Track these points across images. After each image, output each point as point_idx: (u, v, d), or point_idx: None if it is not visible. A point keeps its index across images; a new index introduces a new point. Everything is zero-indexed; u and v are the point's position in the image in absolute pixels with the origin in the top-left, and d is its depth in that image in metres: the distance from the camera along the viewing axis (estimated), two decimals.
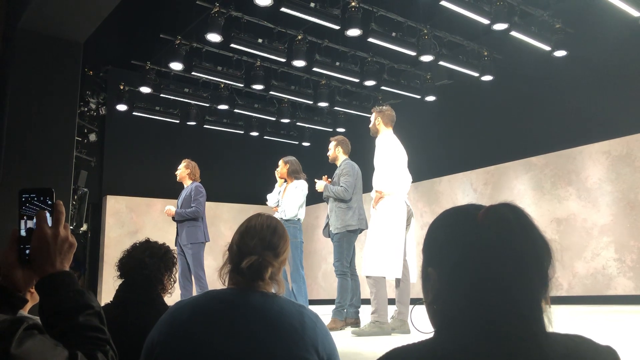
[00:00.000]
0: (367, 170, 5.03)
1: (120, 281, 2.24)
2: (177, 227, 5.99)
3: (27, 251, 1.03)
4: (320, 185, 5.41)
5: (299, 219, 5.61)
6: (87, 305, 1.00)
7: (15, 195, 1.06)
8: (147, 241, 2.32)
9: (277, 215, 5.49)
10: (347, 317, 5.20)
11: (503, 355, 0.81)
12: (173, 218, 5.98)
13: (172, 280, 2.31)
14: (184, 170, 6.18)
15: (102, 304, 2.25)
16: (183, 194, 6.12)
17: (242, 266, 1.45)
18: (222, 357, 1.32)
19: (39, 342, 0.85)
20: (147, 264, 2.20)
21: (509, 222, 0.87)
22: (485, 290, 0.85)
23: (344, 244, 5.22)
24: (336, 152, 5.57)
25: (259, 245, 1.51)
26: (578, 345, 0.88)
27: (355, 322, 5.16)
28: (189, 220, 5.87)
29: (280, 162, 5.84)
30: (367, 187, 4.95)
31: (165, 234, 6.73)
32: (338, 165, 5.53)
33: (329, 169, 5.72)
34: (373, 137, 4.98)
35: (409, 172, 4.87)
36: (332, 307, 5.28)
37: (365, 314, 4.88)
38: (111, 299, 2.22)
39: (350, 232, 5.23)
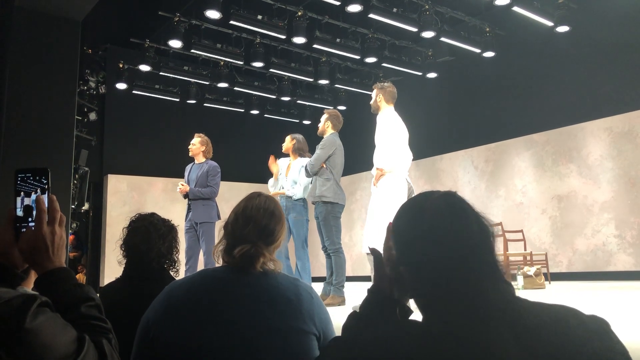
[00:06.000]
0: (368, 147, 5.02)
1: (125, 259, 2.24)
2: (189, 204, 5.77)
3: (24, 229, 1.06)
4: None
5: (305, 198, 5.63)
6: (88, 297, 1.04)
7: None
8: (150, 218, 2.30)
9: (287, 193, 5.57)
10: (323, 293, 5.25)
11: (480, 330, 0.86)
12: (185, 195, 5.78)
13: (177, 255, 2.32)
14: (199, 147, 5.91)
15: (112, 279, 2.27)
16: (197, 170, 5.85)
17: (234, 253, 1.45)
18: (218, 334, 1.32)
19: (51, 318, 0.89)
20: (152, 245, 2.19)
21: (442, 210, 0.96)
22: (445, 277, 0.92)
23: (330, 221, 5.22)
24: (325, 126, 5.51)
25: (253, 233, 1.49)
26: (565, 314, 0.90)
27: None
28: (204, 199, 5.74)
29: (288, 138, 5.82)
30: (367, 165, 4.94)
31: (167, 213, 6.66)
32: None
33: None
34: (374, 114, 4.95)
35: (409, 149, 4.87)
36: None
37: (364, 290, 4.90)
38: (119, 275, 2.23)
39: (326, 203, 5.22)
